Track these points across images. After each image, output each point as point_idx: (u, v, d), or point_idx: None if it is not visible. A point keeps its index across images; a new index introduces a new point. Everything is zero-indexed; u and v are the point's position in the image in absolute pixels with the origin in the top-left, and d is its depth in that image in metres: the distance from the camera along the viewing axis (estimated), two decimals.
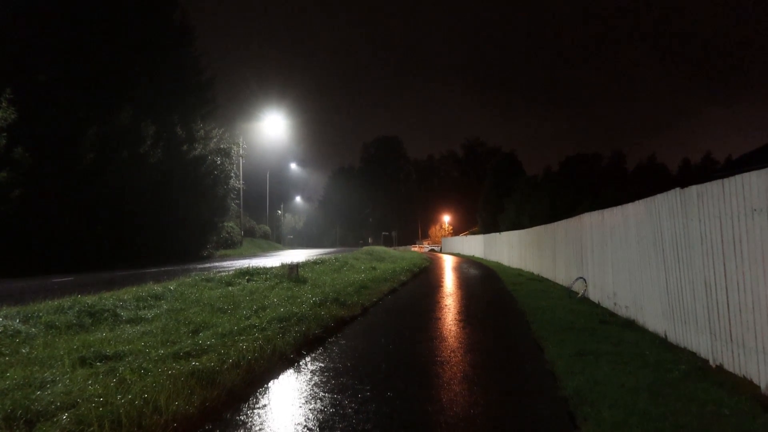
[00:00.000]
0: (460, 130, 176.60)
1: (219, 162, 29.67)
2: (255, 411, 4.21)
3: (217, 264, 20.83)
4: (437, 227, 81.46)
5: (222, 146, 30.29)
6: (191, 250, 27.47)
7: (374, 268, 16.99)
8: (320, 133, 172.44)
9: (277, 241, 66.23)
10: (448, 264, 27.10)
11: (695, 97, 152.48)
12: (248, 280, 11.44)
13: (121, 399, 3.75)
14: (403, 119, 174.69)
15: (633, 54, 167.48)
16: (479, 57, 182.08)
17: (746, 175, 4.62)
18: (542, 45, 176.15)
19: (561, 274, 13.82)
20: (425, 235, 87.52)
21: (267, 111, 44.36)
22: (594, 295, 10.16)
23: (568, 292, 11.31)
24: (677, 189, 6.13)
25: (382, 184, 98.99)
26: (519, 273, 18.78)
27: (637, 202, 7.59)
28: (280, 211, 73.33)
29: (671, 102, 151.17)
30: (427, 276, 18.42)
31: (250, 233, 49.06)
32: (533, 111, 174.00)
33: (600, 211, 9.71)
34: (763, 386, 4.32)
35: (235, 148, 32.82)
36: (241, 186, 36.07)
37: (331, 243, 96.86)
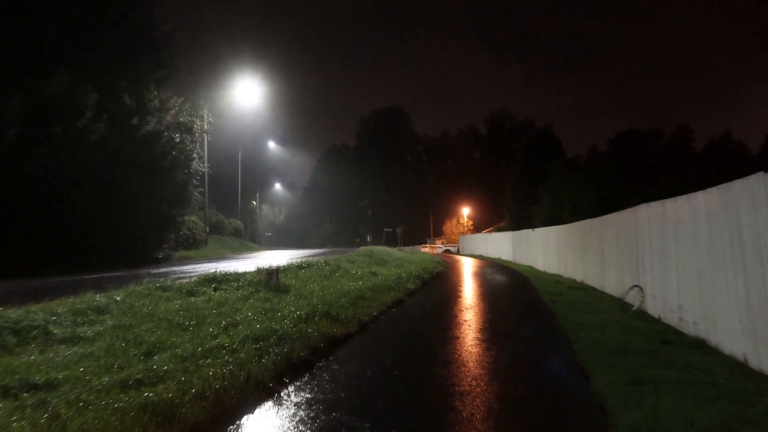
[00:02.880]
0: (482, 100, 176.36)
1: (178, 139, 29.56)
2: None
3: (175, 268, 20.83)
4: (453, 222, 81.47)
5: (182, 119, 30.18)
6: (143, 250, 27.44)
7: (374, 274, 16.97)
8: (306, 105, 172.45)
9: (252, 239, 66.31)
10: (468, 268, 27.06)
11: None
12: (215, 289, 11.43)
13: None
14: (409, 87, 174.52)
15: (696, 3, 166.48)
16: (503, 10, 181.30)
17: None
18: None
19: (611, 282, 13.79)
20: (438, 233, 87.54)
21: (239, 76, 44.15)
22: (653, 308, 10.13)
23: (620, 305, 11.32)
24: (761, 173, 6.07)
25: (384, 168, 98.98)
26: (557, 280, 18.77)
27: (708, 190, 7.54)
28: (255, 202, 73.35)
29: (747, 64, 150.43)
30: (441, 283, 18.40)
31: (217, 229, 49.09)
32: (575, 75, 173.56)
33: (661, 201, 9.66)
34: None
35: (198, 122, 32.71)
36: (206, 170, 36.01)
37: (320, 242, 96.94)
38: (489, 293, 15.37)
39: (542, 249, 25.60)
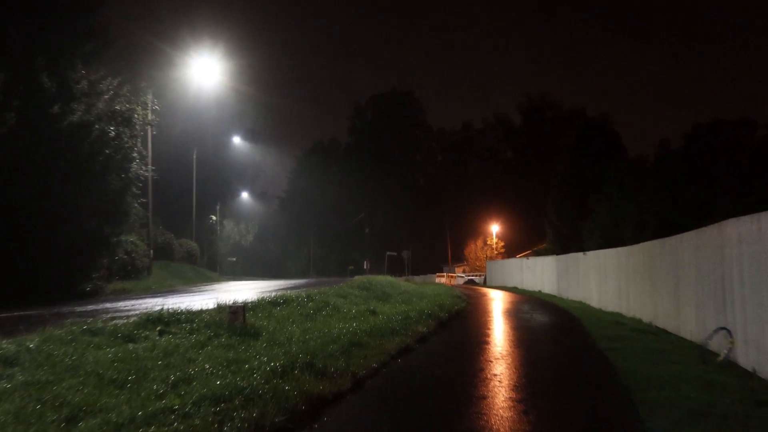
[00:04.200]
0: (516, 82, 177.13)
1: (113, 133, 29.62)
2: None
3: (109, 305, 20.79)
4: (479, 244, 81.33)
5: (118, 107, 30.25)
6: (66, 281, 27.39)
7: (374, 313, 16.94)
8: (284, 90, 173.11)
9: (211, 266, 66.25)
10: (498, 305, 26.98)
11: None
12: (161, 333, 11.39)
13: None
14: (419, 66, 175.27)
15: None
16: None
17: None
18: None
19: (688, 323, 13.74)
20: (459, 258, 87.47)
21: (195, 51, 44.37)
22: (746, 358, 10.08)
23: (700, 353, 11.27)
24: None
25: (386, 171, 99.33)
26: (617, 321, 18.77)
27: None
28: (214, 218, 73.39)
29: None
30: (462, 325, 18.38)
31: (164, 253, 49.05)
32: (637, 48, 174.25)
33: (754, 215, 9.66)
34: None
35: (139, 110, 32.76)
36: (149, 174, 36.01)
37: (302, 269, 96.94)
38: (526, 338, 15.31)
39: (596, 279, 25.52)
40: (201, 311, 13.78)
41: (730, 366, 10.30)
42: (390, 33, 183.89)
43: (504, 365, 11.20)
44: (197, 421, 6.19)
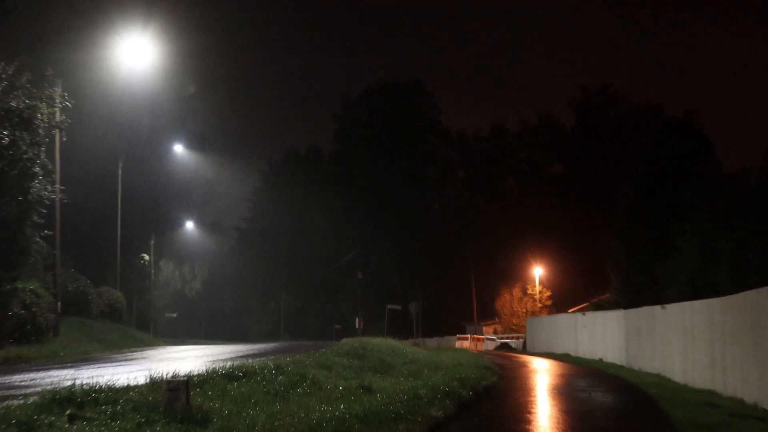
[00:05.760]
0: (566, 70, 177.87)
1: (7, 140, 29.74)
2: None
3: (0, 379, 20.76)
4: (515, 294, 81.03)
5: (14, 104, 30.43)
6: None
7: (369, 390, 16.90)
8: (247, 82, 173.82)
9: (142, 325, 66.07)
10: (543, 379, 26.91)
11: None
12: (72, 419, 11.32)
13: None
14: (432, 53, 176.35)
15: None
16: None
17: None
18: None
19: None
20: (488, 314, 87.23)
21: (124, 28, 44.50)
22: None
23: None
24: None
25: (387, 192, 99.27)
26: (709, 401, 18.72)
27: None
28: (147, 257, 73.33)
29: None
30: (494, 407, 18.38)
31: (78, 307, 48.90)
32: (734, 28, 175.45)
33: None
34: None
35: (44, 108, 32.90)
36: (57, 197, 36.07)
37: (269, 329, 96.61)
38: (583, 426, 15.31)
39: (680, 343, 25.41)
40: (128, 388, 13.74)
41: None
42: (391, 13, 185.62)
43: None
44: None
